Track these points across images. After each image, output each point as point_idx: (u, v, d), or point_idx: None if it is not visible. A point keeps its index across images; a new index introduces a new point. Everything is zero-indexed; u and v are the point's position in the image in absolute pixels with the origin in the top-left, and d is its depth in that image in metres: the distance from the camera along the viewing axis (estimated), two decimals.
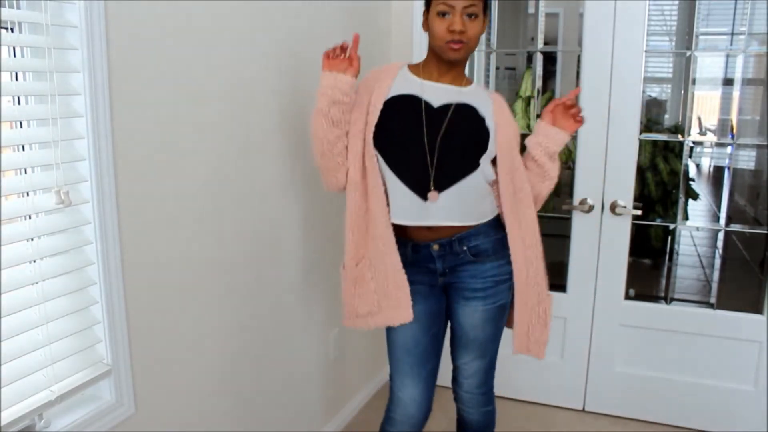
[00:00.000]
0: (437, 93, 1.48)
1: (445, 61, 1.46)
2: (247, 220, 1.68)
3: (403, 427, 1.59)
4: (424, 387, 1.56)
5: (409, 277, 1.49)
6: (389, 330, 1.56)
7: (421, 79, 1.50)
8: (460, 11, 1.39)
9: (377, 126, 1.45)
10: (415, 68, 1.54)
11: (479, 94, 1.53)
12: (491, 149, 1.48)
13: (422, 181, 1.45)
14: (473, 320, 1.56)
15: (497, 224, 1.54)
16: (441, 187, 1.45)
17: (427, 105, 1.47)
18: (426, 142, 1.44)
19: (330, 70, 1.44)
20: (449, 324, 1.63)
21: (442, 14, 1.41)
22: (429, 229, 1.49)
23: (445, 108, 1.47)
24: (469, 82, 1.55)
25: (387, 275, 1.48)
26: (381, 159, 1.47)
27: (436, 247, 1.50)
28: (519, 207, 1.52)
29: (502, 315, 1.59)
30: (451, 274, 1.54)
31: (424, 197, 1.45)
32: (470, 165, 1.47)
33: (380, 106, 1.45)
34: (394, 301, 1.49)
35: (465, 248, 1.50)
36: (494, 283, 1.54)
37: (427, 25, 1.47)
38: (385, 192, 1.47)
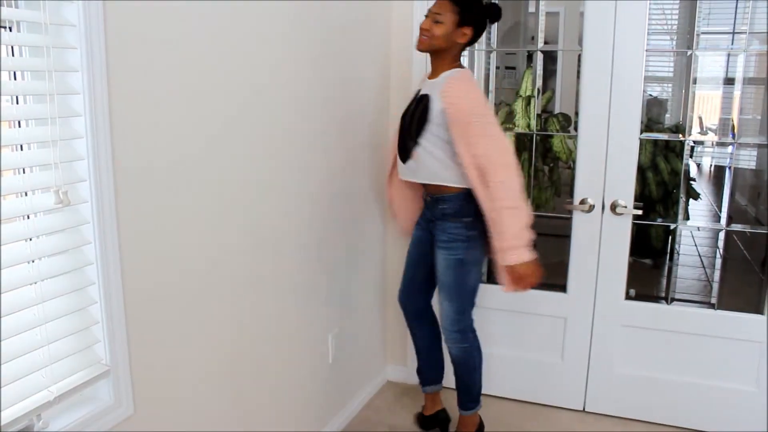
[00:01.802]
0: (425, 88, 1.95)
1: (429, 54, 1.97)
2: (247, 220, 1.67)
3: (402, 303, 2.23)
4: (408, 284, 2.22)
5: (416, 230, 2.16)
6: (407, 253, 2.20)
7: (424, 79, 1.98)
8: (430, 15, 1.88)
9: None
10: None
11: (438, 83, 1.92)
12: (430, 128, 1.90)
13: (400, 149, 2.04)
14: (439, 265, 2.02)
15: (467, 196, 1.92)
16: (405, 157, 2.00)
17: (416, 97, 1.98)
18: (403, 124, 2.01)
19: None
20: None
21: (426, 15, 1.90)
22: (422, 185, 2.03)
23: (415, 98, 1.99)
24: (446, 71, 1.93)
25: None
26: None
27: (428, 198, 2.05)
28: (485, 175, 1.85)
29: (461, 268, 1.99)
30: (433, 224, 2.03)
31: (402, 159, 2.02)
32: (414, 142, 1.94)
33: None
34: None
35: (438, 207, 1.98)
36: (452, 238, 1.97)
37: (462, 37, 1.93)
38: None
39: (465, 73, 1.93)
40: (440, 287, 2.05)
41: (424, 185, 2.02)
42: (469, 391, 2.16)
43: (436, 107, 1.88)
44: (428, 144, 1.92)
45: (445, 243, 1.98)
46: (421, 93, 1.95)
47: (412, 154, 1.96)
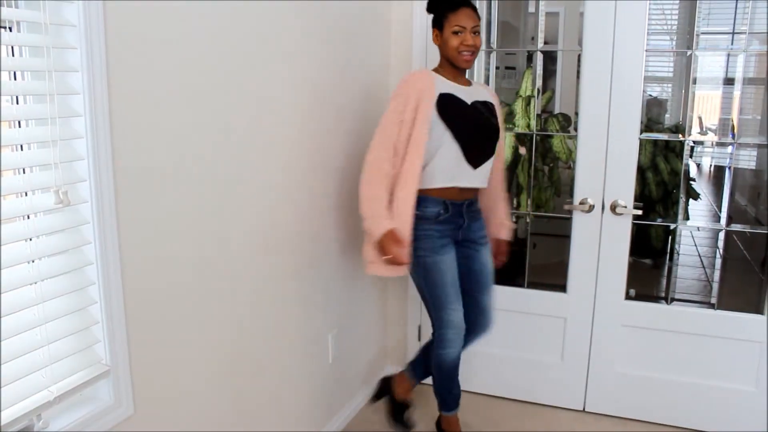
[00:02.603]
0: (464, 94, 1.97)
1: (456, 67, 1.95)
2: (247, 220, 1.67)
3: (457, 345, 2.05)
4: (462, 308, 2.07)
5: (446, 232, 2.00)
6: (437, 273, 2.00)
7: (453, 83, 1.96)
8: (470, 29, 1.88)
9: (441, 113, 1.90)
10: (439, 72, 1.98)
11: (482, 91, 2.05)
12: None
13: (476, 156, 1.97)
14: (485, 263, 2.09)
15: None
16: (479, 162, 1.97)
17: (464, 102, 1.95)
18: (473, 128, 1.96)
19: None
20: (464, 275, 2.05)
21: (456, 32, 1.88)
22: (462, 190, 1.99)
23: (479, 104, 1.99)
24: (470, 79, 2.05)
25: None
26: (448, 137, 1.92)
27: (465, 203, 2.00)
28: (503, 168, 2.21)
29: None
30: (466, 229, 2.04)
31: (474, 166, 1.97)
32: (494, 148, 2.02)
33: (434, 102, 1.89)
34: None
35: (474, 208, 2.05)
36: (486, 232, 2.13)
37: (439, 40, 1.93)
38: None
39: None
40: (489, 282, 2.10)
41: (468, 190, 2.01)
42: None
43: (498, 115, 2.05)
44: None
45: (485, 238, 2.09)
46: (481, 100, 2.00)
47: (488, 160, 2.01)
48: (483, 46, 2.54)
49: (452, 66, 1.95)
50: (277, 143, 1.78)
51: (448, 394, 2.14)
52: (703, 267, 3.87)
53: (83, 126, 1.16)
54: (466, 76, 2.05)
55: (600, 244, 2.30)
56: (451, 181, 1.94)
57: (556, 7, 3.14)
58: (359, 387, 2.47)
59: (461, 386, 2.16)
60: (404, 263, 1.89)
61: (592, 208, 2.28)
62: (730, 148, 2.52)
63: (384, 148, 1.88)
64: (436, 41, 1.94)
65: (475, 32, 1.89)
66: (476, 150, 1.95)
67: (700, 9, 2.23)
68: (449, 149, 1.91)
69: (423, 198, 1.93)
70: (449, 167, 1.93)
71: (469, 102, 1.95)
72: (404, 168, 1.88)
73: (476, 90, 2.01)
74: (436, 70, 1.98)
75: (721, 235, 2.60)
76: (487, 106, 2.01)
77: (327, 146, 2.03)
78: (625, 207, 2.24)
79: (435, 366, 2.08)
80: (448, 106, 1.91)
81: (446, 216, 1.97)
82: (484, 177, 2.02)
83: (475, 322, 2.09)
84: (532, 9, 3.08)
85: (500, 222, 2.17)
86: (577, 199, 2.30)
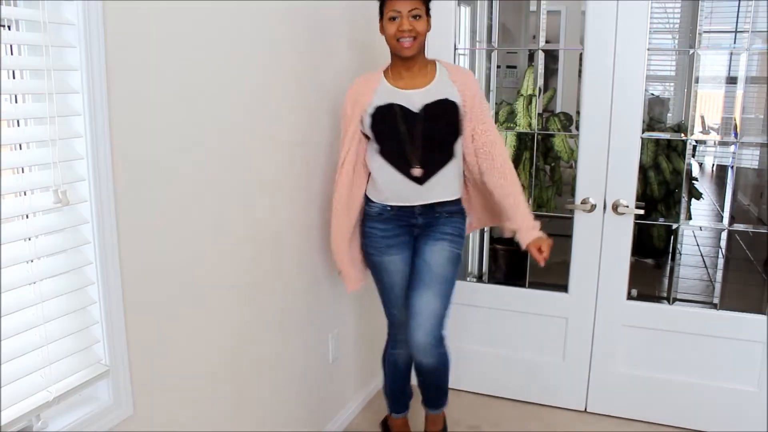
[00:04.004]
0: (410, 99, 1.79)
1: (403, 58, 1.76)
2: (247, 220, 1.67)
3: (415, 349, 1.92)
4: (404, 313, 1.95)
5: (393, 230, 1.88)
6: (381, 274, 1.93)
7: (395, 87, 1.80)
8: (406, 14, 1.70)
9: (373, 128, 1.80)
10: (387, 75, 1.83)
11: (443, 84, 1.80)
12: (465, 131, 1.84)
13: (411, 170, 1.80)
14: (440, 258, 1.86)
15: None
16: (424, 178, 1.80)
17: (407, 110, 1.78)
18: (410, 141, 1.78)
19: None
20: (414, 265, 1.89)
21: (392, 18, 1.71)
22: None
23: (422, 110, 1.78)
24: (433, 71, 1.82)
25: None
26: (377, 154, 1.83)
27: (419, 209, 1.85)
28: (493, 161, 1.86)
29: (458, 264, 1.91)
30: (425, 226, 1.87)
31: (419, 183, 1.81)
32: (448, 155, 1.82)
33: (367, 116, 1.79)
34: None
35: (440, 210, 1.86)
36: (459, 233, 1.89)
37: (382, 30, 1.76)
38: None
39: (455, 64, 1.91)
40: (431, 283, 1.84)
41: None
42: (443, 391, 2.05)
43: (457, 104, 1.79)
44: (458, 150, 1.84)
45: (451, 236, 1.87)
46: (436, 99, 1.77)
47: (439, 171, 1.81)
48: (483, 45, 2.54)
49: (399, 60, 1.77)
50: (277, 144, 1.77)
51: (401, 394, 2.10)
52: (706, 267, 3.86)
53: (82, 125, 1.16)
54: (437, 69, 1.81)
55: (602, 243, 2.29)
56: (397, 199, 1.83)
57: (557, 5, 3.13)
58: (360, 387, 2.47)
59: (463, 386, 2.15)
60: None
61: (593, 207, 2.27)
62: (732, 148, 2.51)
63: (346, 170, 1.84)
64: (381, 31, 1.77)
65: (415, 16, 1.70)
66: (418, 165, 1.78)
67: (703, 8, 2.22)
68: (385, 169, 1.81)
69: (369, 198, 1.88)
70: (389, 186, 1.82)
71: (416, 108, 1.76)
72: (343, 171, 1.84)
73: (436, 87, 1.79)
74: (386, 70, 1.83)
75: (724, 235, 2.59)
76: (441, 105, 1.77)
77: (327, 147, 2.03)
78: (627, 206, 2.23)
79: (388, 364, 2.07)
80: (380, 122, 1.78)
81: (391, 214, 1.85)
82: (444, 189, 1.83)
83: (412, 333, 1.84)
84: (533, 8, 3.07)
85: (517, 227, 1.84)
86: (578, 199, 2.29)
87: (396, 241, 1.87)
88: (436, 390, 2.03)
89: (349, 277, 1.94)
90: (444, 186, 1.83)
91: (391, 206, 1.84)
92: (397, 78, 1.80)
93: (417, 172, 1.78)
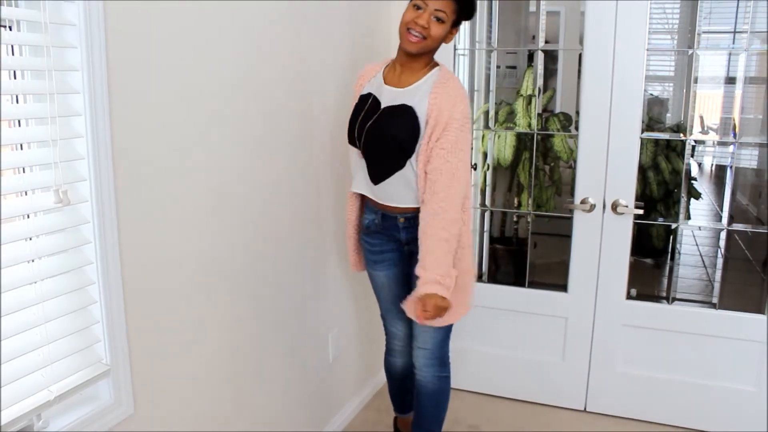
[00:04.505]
0: (386, 95, 1.69)
1: (405, 53, 1.64)
2: (247, 220, 1.67)
3: (396, 359, 2.02)
4: (405, 326, 1.94)
5: (380, 246, 1.83)
6: (372, 285, 1.94)
7: (382, 80, 1.72)
8: (430, 11, 1.57)
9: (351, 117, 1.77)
10: (389, 65, 1.75)
11: (418, 92, 1.65)
12: (420, 149, 1.64)
13: (374, 170, 1.73)
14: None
15: None
16: (377, 178, 1.72)
17: (376, 105, 1.70)
18: (362, 137, 1.71)
19: None
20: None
21: (416, 7, 1.59)
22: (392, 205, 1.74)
23: (384, 109, 1.68)
24: (426, 74, 1.67)
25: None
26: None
27: (402, 219, 1.75)
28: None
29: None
30: (414, 244, 1.70)
31: (374, 182, 1.74)
32: (398, 164, 1.68)
33: (354, 103, 1.76)
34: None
35: (408, 218, 1.74)
36: None
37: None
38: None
39: (453, 76, 1.70)
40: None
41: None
42: (438, 420, 1.93)
43: (422, 115, 1.62)
44: (413, 162, 1.66)
45: None
46: (398, 103, 1.64)
47: (389, 177, 1.69)
48: (483, 45, 2.54)
49: (401, 52, 1.66)
50: (278, 143, 1.78)
51: (400, 399, 2.12)
52: (705, 266, 3.87)
53: (83, 125, 1.16)
54: (429, 74, 1.65)
55: (601, 243, 2.30)
56: (359, 187, 1.79)
57: (557, 6, 3.14)
58: (359, 387, 2.47)
59: (463, 386, 2.16)
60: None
61: (593, 207, 2.27)
62: (731, 148, 2.51)
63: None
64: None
65: (438, 18, 1.57)
66: (372, 163, 1.71)
67: (702, 8, 2.22)
68: (354, 156, 1.78)
69: (366, 204, 1.83)
70: (355, 171, 1.81)
71: (383, 105, 1.68)
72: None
73: (408, 93, 1.65)
74: (389, 62, 1.77)
75: (723, 235, 2.59)
76: (398, 112, 1.63)
77: (328, 144, 2.03)
78: (626, 206, 2.23)
79: (385, 368, 2.09)
80: (355, 110, 1.75)
81: (377, 227, 1.79)
82: (396, 196, 1.70)
83: (415, 352, 1.89)
84: (533, 8, 3.07)
85: (419, 274, 1.58)
86: (578, 199, 2.29)
87: (381, 257, 1.84)
88: (431, 416, 1.90)
89: (352, 260, 1.97)
90: (395, 194, 1.70)
91: (382, 216, 1.76)
92: (391, 71, 1.72)
93: (374, 170, 1.72)
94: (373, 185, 1.73)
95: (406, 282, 1.82)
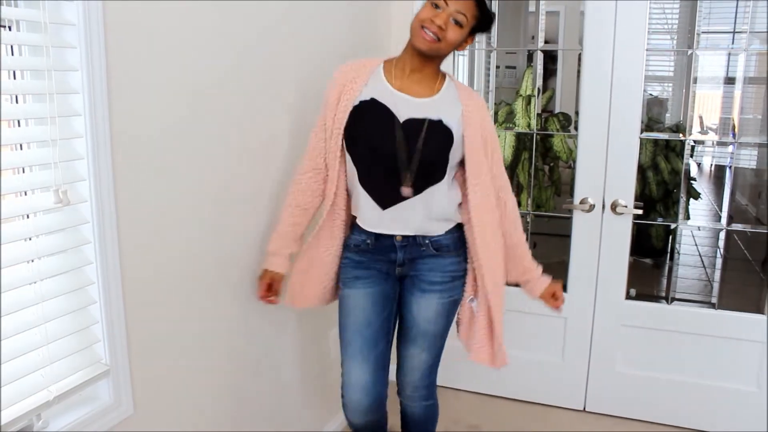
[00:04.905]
0: (399, 104, 1.50)
1: (416, 53, 1.48)
2: (247, 219, 1.67)
3: (354, 414, 1.62)
4: (371, 371, 1.58)
5: (367, 263, 1.60)
6: (341, 311, 1.63)
7: (391, 87, 1.52)
8: (450, 12, 1.44)
9: (347, 128, 1.51)
10: (388, 66, 1.55)
11: (447, 102, 1.53)
12: (452, 162, 1.54)
13: (380, 194, 1.53)
14: (427, 313, 1.62)
15: (460, 226, 1.63)
16: (386, 201, 1.52)
17: (394, 116, 1.49)
18: (392, 156, 1.49)
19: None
20: (399, 315, 1.68)
21: (435, 6, 1.45)
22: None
23: (413, 123, 1.49)
24: (441, 82, 1.55)
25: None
26: (349, 162, 1.55)
27: (399, 238, 1.57)
28: (483, 214, 1.57)
29: (453, 310, 1.66)
30: (410, 266, 1.59)
31: (383, 207, 1.53)
32: (435, 179, 1.52)
33: (350, 108, 1.50)
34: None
35: (428, 242, 1.57)
36: (452, 278, 1.61)
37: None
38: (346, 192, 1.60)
39: (467, 86, 1.66)
40: (417, 339, 1.65)
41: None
42: None
43: (457, 136, 1.51)
44: (448, 178, 1.55)
45: (442, 284, 1.60)
46: (430, 118, 1.49)
47: (415, 196, 1.51)
48: (482, 45, 2.54)
49: (412, 53, 1.49)
50: (279, 143, 1.78)
51: None
52: (704, 266, 3.87)
53: (83, 125, 1.16)
54: (445, 82, 1.54)
55: (600, 243, 2.30)
56: (362, 221, 1.57)
57: (556, 6, 3.14)
58: None
59: (463, 386, 2.14)
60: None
61: (592, 207, 2.27)
62: (730, 148, 2.51)
63: (308, 157, 1.60)
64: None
65: (457, 21, 1.44)
66: (379, 186, 1.51)
67: (701, 8, 2.22)
68: (352, 178, 1.55)
69: (353, 223, 1.61)
70: (356, 200, 1.56)
71: (401, 117, 1.48)
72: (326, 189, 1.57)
73: (436, 103, 1.51)
74: (389, 61, 1.56)
75: (722, 235, 2.60)
76: (430, 125, 1.48)
77: None
78: (626, 206, 2.24)
79: (350, 416, 1.65)
80: (360, 119, 1.49)
81: (370, 248, 1.58)
82: (410, 223, 1.53)
83: (399, 379, 1.73)
84: (532, 8, 3.07)
85: (527, 278, 1.70)
86: (577, 199, 2.29)
87: (365, 273, 1.59)
88: None
89: (295, 293, 1.69)
90: (413, 217, 1.54)
91: (371, 237, 1.57)
92: (396, 75, 1.52)
93: (406, 191, 1.50)
94: (381, 210, 1.52)
95: (384, 307, 1.60)
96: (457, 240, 1.61)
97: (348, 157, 1.54)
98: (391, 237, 1.57)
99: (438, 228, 1.57)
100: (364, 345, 1.58)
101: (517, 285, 1.76)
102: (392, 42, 2.43)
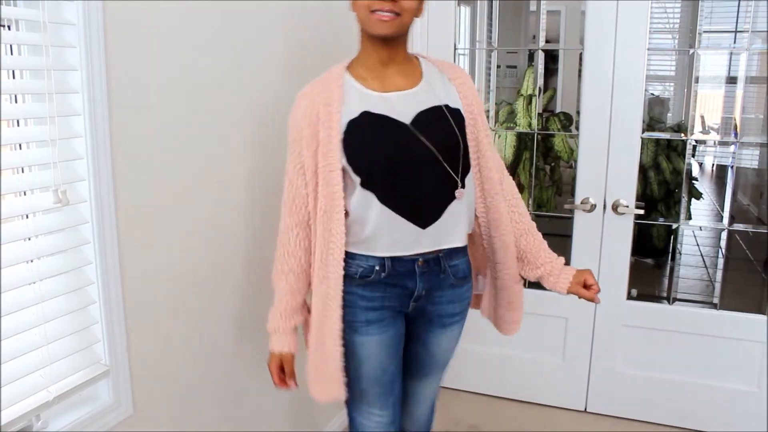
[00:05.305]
0: (395, 105, 1.27)
1: (380, 43, 1.26)
2: (248, 221, 1.67)
3: None
4: (391, 414, 1.44)
5: (379, 300, 1.34)
6: (351, 358, 1.36)
7: (374, 92, 1.28)
8: None
9: (349, 160, 1.26)
10: (355, 71, 1.31)
11: (438, 83, 1.33)
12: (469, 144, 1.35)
13: (428, 207, 1.30)
14: (449, 344, 1.48)
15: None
16: (429, 217, 1.29)
17: (396, 122, 1.27)
18: (424, 161, 1.27)
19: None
20: (408, 350, 1.47)
21: None
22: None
23: (424, 117, 1.28)
24: (418, 65, 1.34)
25: None
26: (359, 187, 1.27)
27: (421, 261, 1.32)
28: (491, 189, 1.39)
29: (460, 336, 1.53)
30: (426, 299, 1.37)
31: (425, 225, 1.29)
32: (460, 183, 1.31)
33: (339, 137, 1.25)
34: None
35: (448, 266, 1.36)
36: (468, 304, 1.47)
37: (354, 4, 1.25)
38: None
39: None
40: (433, 373, 1.51)
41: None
42: None
43: (461, 108, 1.33)
44: (468, 179, 1.35)
45: (462, 314, 1.45)
46: (430, 105, 1.29)
47: (448, 206, 1.31)
48: (483, 45, 2.54)
49: (372, 46, 1.28)
50: (279, 143, 1.77)
51: None
52: (705, 267, 3.86)
53: (82, 125, 1.16)
54: (422, 64, 1.34)
55: (601, 243, 2.29)
56: (381, 248, 1.30)
57: (557, 5, 3.14)
58: None
59: (463, 386, 2.14)
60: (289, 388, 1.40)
61: (593, 207, 2.27)
62: (732, 147, 2.51)
63: (290, 212, 1.35)
64: (353, 7, 1.28)
65: None
66: (417, 202, 1.28)
67: (702, 7, 2.22)
68: (372, 208, 1.27)
69: (348, 252, 1.32)
70: (375, 227, 1.28)
71: (407, 117, 1.27)
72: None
73: (425, 89, 1.31)
74: (352, 65, 1.33)
75: (724, 235, 2.59)
76: (439, 114, 1.29)
77: None
78: (627, 206, 2.23)
79: None
80: (360, 141, 1.26)
81: (381, 277, 1.32)
82: (453, 230, 1.33)
83: (404, 410, 1.55)
84: (533, 7, 3.07)
85: (546, 272, 1.47)
86: (578, 199, 2.29)
87: (380, 315, 1.34)
88: None
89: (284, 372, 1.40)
90: (453, 226, 1.33)
91: (383, 262, 1.31)
92: (370, 76, 1.30)
93: (460, 194, 1.30)
94: (420, 230, 1.29)
95: (398, 349, 1.41)
96: (469, 263, 1.44)
97: (357, 189, 1.27)
98: (413, 261, 1.32)
99: (461, 234, 1.36)
100: (383, 392, 1.40)
101: (539, 285, 1.55)
102: None
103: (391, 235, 1.29)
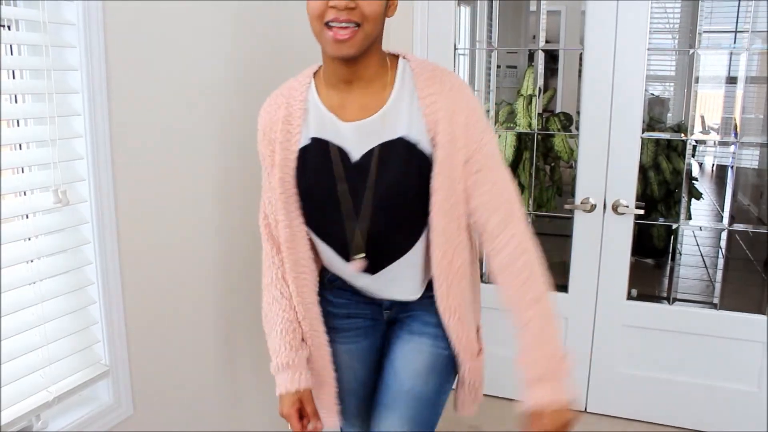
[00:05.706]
0: (359, 136, 1.05)
1: (339, 62, 1.03)
2: (246, 219, 1.67)
3: None
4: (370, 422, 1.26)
5: (348, 307, 1.22)
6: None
7: (329, 111, 1.07)
8: None
9: (298, 184, 1.09)
10: (320, 82, 1.11)
11: (399, 109, 1.05)
12: (437, 195, 1.05)
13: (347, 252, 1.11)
14: (415, 364, 1.19)
15: None
16: (376, 267, 1.12)
17: (345, 157, 1.06)
18: (346, 210, 1.07)
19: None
20: (379, 368, 1.26)
21: None
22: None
23: (368, 159, 1.05)
24: (393, 75, 1.07)
25: None
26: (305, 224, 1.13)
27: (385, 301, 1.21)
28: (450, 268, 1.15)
29: (448, 372, 1.25)
30: (400, 307, 1.22)
31: (370, 272, 1.13)
32: (413, 236, 1.10)
33: (292, 162, 1.08)
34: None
35: (403, 314, 1.23)
36: (442, 330, 1.21)
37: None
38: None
39: (432, 62, 1.11)
40: (395, 404, 1.19)
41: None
42: None
43: (425, 143, 1.04)
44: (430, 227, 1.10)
45: (435, 328, 1.20)
46: (387, 139, 1.04)
47: (399, 258, 1.12)
48: (483, 45, 2.54)
49: (333, 62, 1.05)
50: None
51: None
52: (706, 267, 3.86)
53: (82, 125, 1.16)
54: (398, 74, 1.06)
55: (601, 243, 2.29)
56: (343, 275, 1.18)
57: (557, 5, 3.14)
58: None
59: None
60: None
61: (593, 207, 2.27)
62: (732, 148, 2.51)
63: (266, 237, 1.17)
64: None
65: None
66: (362, 252, 1.09)
67: (703, 8, 2.22)
68: (323, 248, 1.15)
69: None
70: (326, 258, 1.17)
71: (354, 154, 1.05)
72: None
73: (384, 117, 1.04)
74: (318, 75, 1.13)
75: (724, 235, 2.59)
76: (391, 150, 1.04)
77: None
78: (627, 206, 2.23)
79: None
80: (308, 173, 1.08)
81: (345, 284, 1.19)
82: (404, 284, 1.16)
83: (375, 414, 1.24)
84: (533, 8, 3.07)
85: (530, 377, 1.17)
86: (578, 199, 2.29)
87: (349, 323, 1.22)
88: None
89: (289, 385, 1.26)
90: (404, 280, 1.16)
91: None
92: (331, 94, 1.08)
93: (356, 266, 1.11)
94: (367, 277, 1.13)
95: (376, 361, 1.26)
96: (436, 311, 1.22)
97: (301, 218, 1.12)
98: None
99: (412, 288, 1.20)
100: (362, 405, 1.27)
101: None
102: (392, 42, 2.43)
103: (337, 267, 1.17)
